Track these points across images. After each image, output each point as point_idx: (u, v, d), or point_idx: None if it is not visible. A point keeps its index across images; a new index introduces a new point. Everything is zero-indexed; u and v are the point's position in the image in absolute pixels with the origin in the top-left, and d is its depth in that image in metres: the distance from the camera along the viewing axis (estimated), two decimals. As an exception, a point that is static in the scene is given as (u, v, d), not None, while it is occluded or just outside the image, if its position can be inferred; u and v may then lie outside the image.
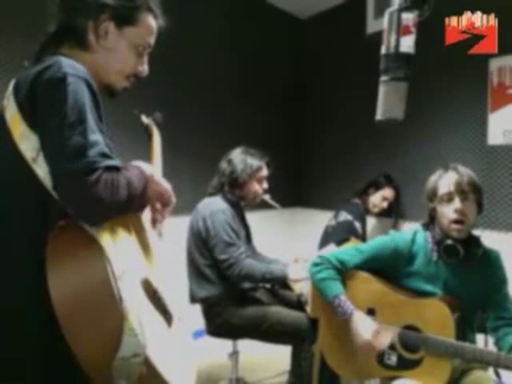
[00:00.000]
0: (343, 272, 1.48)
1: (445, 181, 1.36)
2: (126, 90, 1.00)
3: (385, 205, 2.71)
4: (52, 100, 0.76)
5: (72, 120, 0.74)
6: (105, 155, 0.76)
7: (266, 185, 2.02)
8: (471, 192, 1.32)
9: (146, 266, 0.89)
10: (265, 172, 2.01)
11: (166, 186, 0.96)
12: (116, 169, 0.78)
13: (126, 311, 0.71)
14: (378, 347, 1.34)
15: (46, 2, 0.91)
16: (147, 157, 1.15)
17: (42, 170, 0.77)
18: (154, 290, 0.85)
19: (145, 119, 1.24)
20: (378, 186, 2.72)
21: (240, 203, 1.98)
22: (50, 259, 0.72)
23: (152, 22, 0.96)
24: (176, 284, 1.08)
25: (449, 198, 1.33)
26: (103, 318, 0.71)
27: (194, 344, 1.09)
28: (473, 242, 1.36)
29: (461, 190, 1.31)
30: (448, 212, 1.33)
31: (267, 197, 2.05)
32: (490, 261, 1.39)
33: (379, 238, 1.52)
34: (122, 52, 0.92)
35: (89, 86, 0.79)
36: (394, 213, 2.83)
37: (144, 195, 0.87)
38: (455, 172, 1.35)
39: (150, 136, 1.23)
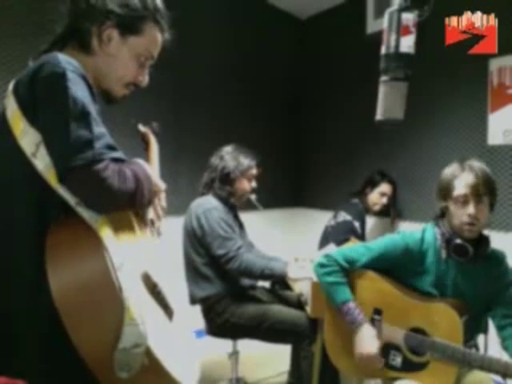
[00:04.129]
0: (350, 271, 1.46)
1: (461, 182, 1.32)
2: (125, 96, 1.00)
3: (384, 200, 2.70)
4: (54, 95, 0.76)
5: (76, 113, 0.74)
6: (111, 147, 0.78)
7: (254, 184, 2.04)
8: (486, 194, 1.31)
9: (145, 261, 0.89)
10: (255, 171, 2.02)
11: (162, 187, 0.98)
12: (122, 161, 0.80)
13: (127, 301, 0.70)
14: (377, 364, 1.37)
15: (55, 3, 0.91)
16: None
17: (41, 163, 0.77)
18: (153, 284, 0.85)
19: (142, 128, 1.24)
20: (373, 184, 2.71)
21: (230, 200, 1.99)
22: (49, 251, 0.73)
23: (157, 34, 0.96)
24: (175, 284, 1.08)
25: (464, 200, 1.31)
26: (103, 307, 0.71)
27: (195, 342, 1.08)
28: (483, 241, 1.35)
29: (476, 193, 1.30)
30: (461, 215, 1.31)
31: (253, 197, 2.06)
32: (498, 260, 1.39)
33: (388, 236, 1.49)
34: (123, 59, 0.93)
35: (86, 81, 0.80)
36: (391, 210, 2.82)
37: (150, 191, 0.89)
38: (472, 173, 1.31)
39: (147, 144, 1.22)
